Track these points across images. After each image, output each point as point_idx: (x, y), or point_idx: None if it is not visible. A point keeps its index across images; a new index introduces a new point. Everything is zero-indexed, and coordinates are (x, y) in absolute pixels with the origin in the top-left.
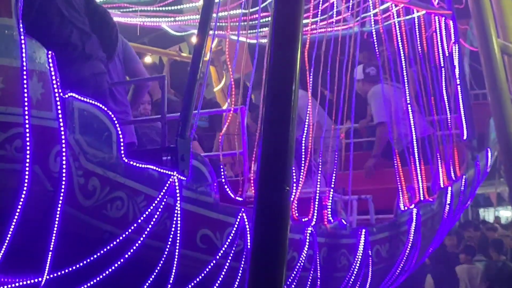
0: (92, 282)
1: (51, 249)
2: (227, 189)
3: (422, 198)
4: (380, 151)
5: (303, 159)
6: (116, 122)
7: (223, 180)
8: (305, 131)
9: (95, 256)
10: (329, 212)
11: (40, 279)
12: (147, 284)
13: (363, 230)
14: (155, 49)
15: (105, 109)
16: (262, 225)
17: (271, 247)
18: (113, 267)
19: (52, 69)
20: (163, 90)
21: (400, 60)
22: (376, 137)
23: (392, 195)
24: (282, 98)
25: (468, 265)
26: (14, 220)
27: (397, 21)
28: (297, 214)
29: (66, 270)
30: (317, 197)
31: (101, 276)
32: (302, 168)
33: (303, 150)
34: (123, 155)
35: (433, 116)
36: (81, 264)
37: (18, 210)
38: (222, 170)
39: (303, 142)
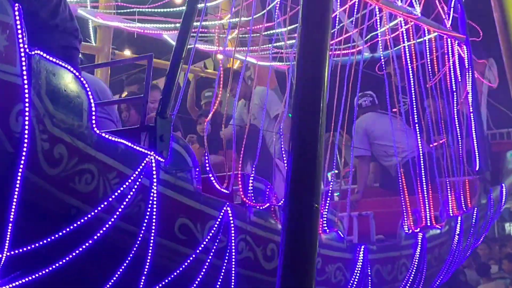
0: (57, 264)
1: (11, 219)
2: (212, 179)
3: (428, 224)
4: (363, 185)
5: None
6: (89, 90)
7: (208, 169)
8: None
9: (60, 233)
10: (325, 221)
11: None
12: (118, 272)
13: (362, 247)
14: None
15: (78, 74)
16: (290, 243)
17: (299, 265)
18: (80, 249)
19: (18, 21)
20: (148, 69)
21: (409, 85)
22: (358, 171)
23: (396, 220)
24: (310, 116)
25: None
26: None
27: (407, 44)
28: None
29: (28, 247)
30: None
31: (67, 258)
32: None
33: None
34: (94, 126)
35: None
36: (45, 241)
37: None
38: (206, 158)
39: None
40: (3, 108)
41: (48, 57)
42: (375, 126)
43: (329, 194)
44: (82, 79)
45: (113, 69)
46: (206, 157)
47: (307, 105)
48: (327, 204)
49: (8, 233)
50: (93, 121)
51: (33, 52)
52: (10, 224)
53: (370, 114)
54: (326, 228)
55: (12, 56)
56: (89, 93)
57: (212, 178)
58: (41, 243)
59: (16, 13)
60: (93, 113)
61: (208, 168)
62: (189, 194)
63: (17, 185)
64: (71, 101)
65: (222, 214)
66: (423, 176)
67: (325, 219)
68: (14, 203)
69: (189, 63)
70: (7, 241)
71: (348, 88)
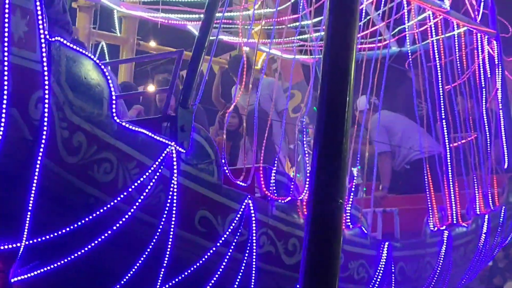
0: (76, 254)
1: (29, 208)
2: (227, 171)
3: (454, 221)
4: (388, 182)
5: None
6: (109, 78)
7: (223, 161)
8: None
9: (79, 223)
10: (348, 216)
11: (18, 244)
12: (137, 264)
13: (386, 243)
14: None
15: (99, 62)
16: (314, 239)
17: (323, 261)
18: (99, 239)
19: (38, 7)
20: (177, 64)
21: (437, 81)
22: (380, 168)
23: (421, 217)
24: (336, 110)
25: None
26: None
27: (435, 39)
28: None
29: (47, 236)
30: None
31: (86, 248)
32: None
33: None
34: (114, 115)
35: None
36: (64, 231)
37: None
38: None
39: None
40: (22, 94)
41: (69, 44)
42: (395, 124)
43: (353, 189)
44: (103, 67)
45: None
46: (223, 149)
47: (333, 99)
48: (351, 200)
49: (27, 222)
50: (113, 110)
51: (53, 39)
52: (29, 213)
53: (388, 112)
54: (349, 223)
55: (32, 42)
56: (110, 82)
57: (227, 171)
58: (59, 232)
59: None
60: (114, 102)
61: (223, 161)
62: (210, 186)
63: (36, 173)
64: (91, 89)
65: (243, 207)
66: (449, 173)
67: (348, 214)
68: (32, 191)
69: (211, 54)
70: (26, 230)
71: (373, 83)
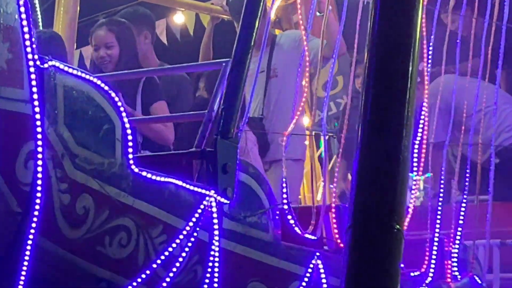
0: None
1: None
2: (291, 219)
3: None
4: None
5: None
6: (122, 108)
7: (285, 206)
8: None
9: None
10: (454, 263)
11: None
12: None
13: None
14: (193, 2)
15: (105, 87)
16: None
17: None
18: None
19: (25, 22)
20: (221, 80)
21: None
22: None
23: None
24: (391, 85)
25: None
26: None
27: None
28: (402, 265)
29: None
30: (435, 237)
31: None
32: None
33: None
34: (131, 162)
35: None
36: None
37: None
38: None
39: None
40: (7, 151)
41: (66, 68)
42: (463, 95)
43: (461, 217)
44: (112, 94)
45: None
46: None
47: (387, 67)
48: (458, 233)
49: None
50: (130, 155)
51: (46, 65)
52: None
53: (450, 77)
54: (456, 273)
55: (18, 74)
56: (123, 113)
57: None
58: None
59: (22, 9)
60: (130, 142)
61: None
62: (264, 247)
63: (26, 257)
64: (99, 129)
65: (310, 270)
66: None
67: (455, 259)
68: (22, 281)
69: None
70: None
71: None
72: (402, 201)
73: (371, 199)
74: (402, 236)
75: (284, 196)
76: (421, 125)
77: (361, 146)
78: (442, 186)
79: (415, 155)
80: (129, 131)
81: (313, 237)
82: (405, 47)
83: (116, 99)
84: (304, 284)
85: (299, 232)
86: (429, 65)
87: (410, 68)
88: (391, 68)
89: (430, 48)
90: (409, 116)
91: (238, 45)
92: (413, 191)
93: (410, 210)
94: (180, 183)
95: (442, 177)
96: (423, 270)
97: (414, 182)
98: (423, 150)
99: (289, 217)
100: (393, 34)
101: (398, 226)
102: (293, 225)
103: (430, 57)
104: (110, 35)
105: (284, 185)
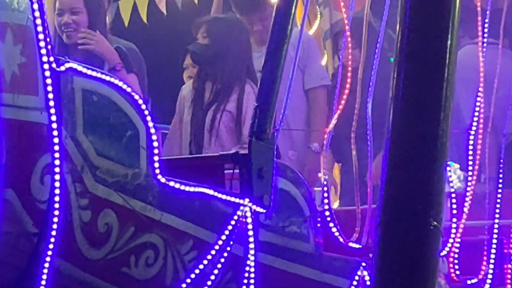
0: None
1: None
2: (333, 227)
3: None
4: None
5: None
6: (147, 112)
7: (326, 210)
8: None
9: None
10: None
11: None
12: None
13: None
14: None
15: (128, 88)
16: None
17: None
18: None
19: (38, 21)
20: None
21: None
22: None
23: None
24: (426, 62)
25: None
26: None
27: None
28: (457, 271)
29: None
30: (495, 235)
31: None
32: None
33: None
34: (158, 171)
35: None
36: None
37: None
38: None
39: None
40: (21, 165)
41: (85, 70)
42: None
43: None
44: (136, 96)
45: None
46: (326, 191)
47: (421, 43)
48: None
49: None
50: (156, 164)
51: (62, 67)
52: None
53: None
54: None
55: (32, 79)
56: (148, 117)
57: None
58: None
59: (35, 6)
60: (155, 149)
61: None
62: (305, 260)
63: (43, 281)
64: (121, 136)
65: (355, 283)
66: None
67: None
68: None
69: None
70: None
71: None
72: (439, 194)
73: (404, 193)
74: (440, 234)
75: (326, 201)
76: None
77: (392, 132)
78: (501, 176)
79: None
80: (154, 137)
81: (357, 246)
82: (442, 16)
83: (140, 101)
84: None
85: (343, 241)
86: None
87: (449, 41)
88: (426, 41)
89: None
90: (447, 97)
91: (273, 35)
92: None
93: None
94: (211, 192)
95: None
96: (480, 276)
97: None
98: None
99: (331, 224)
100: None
101: (435, 223)
102: (336, 234)
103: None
104: None
105: (325, 188)
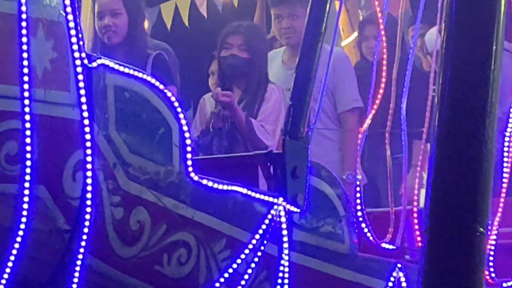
0: None
1: None
2: (365, 227)
3: None
4: None
5: None
6: (180, 109)
7: (359, 211)
8: None
9: None
10: None
11: None
12: None
13: None
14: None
15: (161, 86)
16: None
17: None
18: None
19: (70, 16)
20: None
21: None
22: None
23: None
24: (471, 66)
25: None
26: (4, 281)
27: None
28: (493, 274)
29: None
30: None
31: None
32: None
33: None
34: (190, 169)
35: None
36: None
37: (10, 265)
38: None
39: None
40: (53, 162)
41: (117, 66)
42: None
43: None
44: (169, 93)
45: None
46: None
47: (466, 47)
48: None
49: None
50: (189, 162)
51: (94, 63)
52: None
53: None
54: None
55: (64, 75)
56: (181, 115)
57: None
58: None
59: (67, 1)
60: (188, 147)
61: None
62: (339, 260)
63: (75, 279)
64: (154, 133)
65: (391, 284)
66: None
67: None
68: None
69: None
70: None
71: None
72: (485, 200)
73: (450, 199)
74: (486, 240)
75: (358, 202)
76: None
77: (438, 137)
78: None
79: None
80: (187, 135)
81: (391, 247)
82: (488, 20)
83: (173, 98)
84: None
85: (375, 242)
86: None
87: (494, 46)
88: (471, 47)
89: None
90: (493, 102)
91: (307, 33)
92: None
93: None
94: (245, 191)
95: None
96: None
97: None
98: None
99: (363, 225)
100: (473, 3)
101: (481, 229)
102: (368, 235)
103: None
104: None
105: (358, 189)
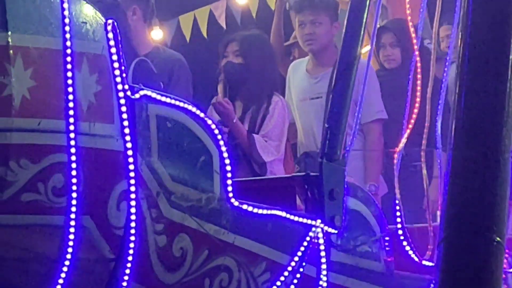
0: None
1: None
2: (405, 244)
3: None
4: None
5: None
6: (220, 136)
7: (399, 226)
8: None
9: None
10: None
11: None
12: None
13: None
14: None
15: (201, 114)
16: None
17: None
18: None
19: (114, 50)
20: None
21: None
22: None
23: None
24: (488, 74)
25: None
26: None
27: None
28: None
29: None
30: None
31: None
32: None
33: None
34: (231, 195)
35: None
36: None
37: None
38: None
39: None
40: (98, 193)
41: (159, 97)
42: None
43: None
44: (209, 121)
45: None
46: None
47: (483, 54)
48: None
49: None
50: (230, 188)
51: (137, 95)
52: None
53: None
54: None
55: (108, 108)
56: (221, 142)
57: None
58: None
59: (110, 35)
60: (228, 173)
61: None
62: (376, 279)
63: None
64: (195, 161)
65: None
66: None
67: None
68: None
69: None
70: None
71: None
72: (502, 210)
73: (467, 208)
74: (503, 249)
75: (398, 220)
76: None
77: (454, 148)
78: None
79: None
80: (227, 161)
81: (431, 264)
82: (504, 29)
83: (213, 126)
84: None
85: (417, 260)
86: None
87: (511, 56)
88: (488, 55)
89: None
90: (509, 112)
91: (343, 56)
92: None
93: None
94: (284, 214)
95: None
96: None
97: None
98: None
99: (405, 243)
100: (490, 12)
101: (498, 238)
102: (409, 252)
103: None
104: None
105: (397, 207)
